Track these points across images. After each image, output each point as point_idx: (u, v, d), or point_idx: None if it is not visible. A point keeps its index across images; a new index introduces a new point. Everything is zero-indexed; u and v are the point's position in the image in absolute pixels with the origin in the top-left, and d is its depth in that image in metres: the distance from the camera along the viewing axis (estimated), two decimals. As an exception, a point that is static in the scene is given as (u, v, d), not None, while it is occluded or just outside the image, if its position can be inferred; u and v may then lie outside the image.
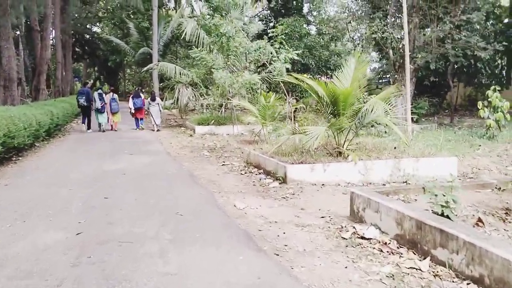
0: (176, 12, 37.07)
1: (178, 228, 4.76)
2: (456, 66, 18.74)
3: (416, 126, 14.85)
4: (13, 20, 19.44)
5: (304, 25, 26.94)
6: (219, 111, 18.09)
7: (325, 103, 8.17)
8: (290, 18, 24.81)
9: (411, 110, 12.42)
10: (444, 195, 4.01)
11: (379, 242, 4.10)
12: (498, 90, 12.15)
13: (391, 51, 18.56)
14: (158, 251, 4.05)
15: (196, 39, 17.11)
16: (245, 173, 8.28)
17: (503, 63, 24.46)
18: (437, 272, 3.40)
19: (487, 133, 12.14)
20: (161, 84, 25.61)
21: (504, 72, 23.50)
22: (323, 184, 6.91)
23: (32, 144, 11.77)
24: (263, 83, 16.19)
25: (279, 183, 7.05)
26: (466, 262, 3.25)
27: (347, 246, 4.16)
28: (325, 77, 25.81)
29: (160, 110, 17.58)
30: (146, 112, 17.92)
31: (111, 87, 26.40)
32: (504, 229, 3.80)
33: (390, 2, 18.83)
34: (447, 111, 22.91)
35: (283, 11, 28.01)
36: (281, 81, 11.18)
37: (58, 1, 27.44)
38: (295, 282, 3.40)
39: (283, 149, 8.24)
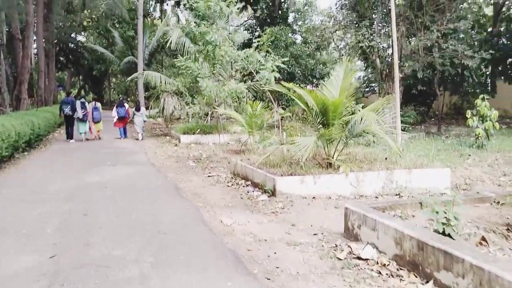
0: (161, 21, 36.83)
1: (161, 249, 4.43)
2: (444, 75, 18.76)
3: (404, 135, 14.74)
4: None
5: (290, 34, 26.90)
6: (205, 120, 17.78)
7: (314, 113, 7.94)
8: (276, 27, 24.72)
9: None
10: (445, 212, 3.76)
11: (377, 263, 3.83)
12: (486, 99, 12.07)
13: (378, 60, 18.52)
14: (139, 277, 3.71)
15: (182, 48, 16.82)
16: (232, 185, 7.97)
17: (487, 72, 24.70)
18: (442, 297, 3.15)
19: (476, 142, 12.04)
20: (146, 93, 25.24)
21: (489, 80, 23.69)
22: (313, 197, 6.64)
23: (11, 155, 11.31)
24: (249, 91, 15.96)
25: (268, 196, 6.76)
26: (473, 287, 3.00)
27: (343, 267, 3.88)
28: (311, 85, 25.75)
29: (145, 120, 17.26)
30: (129, 122, 17.55)
31: (95, 96, 25.88)
32: (510, 248, 3.57)
33: (376, 11, 18.84)
34: (433, 119, 22.96)
35: (268, 20, 27.93)
36: (267, 90, 10.94)
37: (41, 9, 26.93)
38: (288, 311, 3.11)
39: (271, 160, 7.97)
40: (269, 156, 8.04)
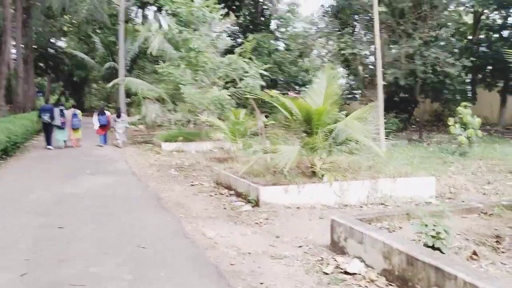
0: (143, 27, 36.46)
1: (140, 264, 4.23)
2: (425, 82, 18.95)
3: (387, 142, 14.77)
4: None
5: (273, 41, 26.95)
6: (187, 127, 17.56)
7: (298, 121, 7.84)
8: (259, 33, 24.71)
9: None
10: (435, 225, 3.67)
11: (365, 278, 3.71)
12: (470, 106, 12.17)
13: (360, 67, 18.64)
14: (116, 296, 3.52)
15: (164, 54, 16.63)
16: (215, 194, 7.79)
17: (467, 80, 25.06)
18: (433, 314, 3.03)
19: (458, 150, 12.11)
20: (127, 99, 24.90)
21: (469, 88, 24.02)
22: (298, 207, 6.51)
23: (-15, 164, 10.94)
24: (232, 99, 15.83)
25: (252, 206, 6.60)
26: (465, 304, 2.89)
27: (329, 283, 3.74)
28: (294, 92, 25.77)
29: (126, 126, 16.99)
30: (111, 129, 17.22)
31: (74, 102, 25.47)
32: (501, 263, 3.49)
33: (358, 18, 18.98)
34: (414, 126, 23.17)
35: (251, 26, 27.95)
36: (250, 97, 10.83)
37: (20, 14, 26.38)
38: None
39: (254, 169, 7.82)
40: (252, 165, 7.89)
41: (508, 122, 22.43)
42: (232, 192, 7.68)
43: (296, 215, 6.13)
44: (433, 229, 3.69)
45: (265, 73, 10.23)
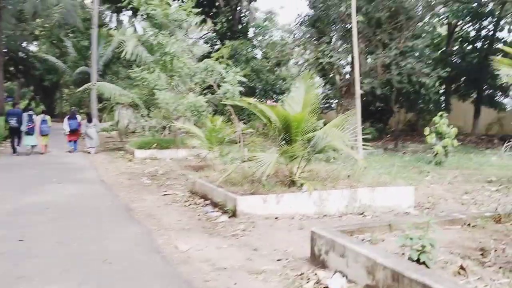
0: (118, 32, 35.86)
1: (105, 283, 3.89)
2: (400, 92, 19.14)
3: (364, 151, 14.74)
4: None
5: (250, 49, 26.83)
6: (161, 134, 17.15)
7: (277, 129, 7.64)
8: (236, 41, 24.55)
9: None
10: (420, 239, 3.49)
11: (348, 295, 3.49)
12: (445, 116, 12.23)
13: (337, 76, 18.65)
14: (76, 319, 3.18)
15: (138, 59, 16.24)
16: (190, 204, 7.47)
17: (440, 90, 25.50)
18: (422, 336, 2.82)
19: (434, 159, 12.15)
20: (100, 104, 24.27)
21: (442, 98, 24.44)
22: (276, 218, 6.27)
23: None
24: (209, 105, 15.54)
25: (229, 217, 6.32)
26: (457, 325, 2.70)
27: (311, 301, 3.51)
28: (271, 100, 25.67)
29: (98, 131, 16.50)
30: (82, 135, 16.68)
31: (44, 108, 24.70)
32: (491, 279, 3.32)
33: (335, 28, 19.03)
34: (389, 136, 23.36)
35: (228, 34, 27.77)
36: (228, 104, 10.58)
37: (-13, 15, 25.47)
38: None
39: (232, 178, 7.56)
40: (230, 173, 7.62)
41: (482, 132, 22.88)
42: (208, 202, 7.38)
43: (274, 226, 5.88)
44: (418, 243, 3.51)
45: (243, 79, 9.98)
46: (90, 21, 27.66)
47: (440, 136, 12.24)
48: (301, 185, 6.91)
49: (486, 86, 22.38)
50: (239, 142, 12.55)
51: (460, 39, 24.54)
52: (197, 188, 8.15)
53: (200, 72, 11.13)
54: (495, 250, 4.07)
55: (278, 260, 4.52)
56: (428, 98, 18.88)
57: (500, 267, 3.68)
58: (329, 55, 16.83)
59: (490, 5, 21.28)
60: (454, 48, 24.45)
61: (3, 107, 32.34)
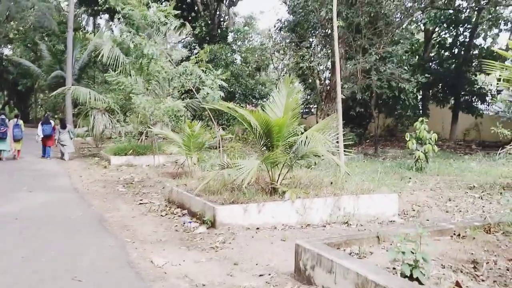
0: (94, 35, 35.14)
1: (72, 303, 3.55)
2: (380, 97, 19.13)
3: (344, 157, 14.61)
4: None
5: (230, 54, 26.58)
6: (138, 139, 16.68)
7: (258, 134, 7.38)
8: (216, 45, 24.28)
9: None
10: (413, 252, 3.26)
11: (338, 316, 3.23)
12: (426, 121, 12.17)
13: (317, 81, 18.54)
14: None
15: (115, 62, 15.80)
16: (167, 214, 7.14)
17: (418, 96, 25.71)
18: None
19: (415, 165, 12.07)
20: (75, 109, 23.61)
21: (420, 104, 24.60)
22: (258, 228, 5.99)
23: None
24: (187, 110, 15.20)
25: (207, 228, 6.01)
26: None
27: (297, 322, 3.24)
28: (251, 105, 25.44)
29: (71, 138, 15.95)
30: (56, 141, 16.11)
31: (17, 112, 23.93)
32: (488, 295, 3.13)
33: (314, 33, 18.94)
34: (368, 141, 23.39)
35: (207, 38, 27.46)
36: (207, 108, 10.26)
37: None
38: None
39: (210, 185, 7.24)
40: (209, 181, 7.31)
41: (460, 138, 23.10)
42: (186, 211, 7.05)
43: (256, 237, 5.60)
44: (411, 257, 3.29)
45: (224, 84, 9.68)
46: (66, 24, 26.97)
47: (421, 141, 12.18)
48: (283, 193, 6.66)
49: (463, 92, 22.62)
50: (219, 148, 12.25)
51: (437, 46, 24.80)
52: (174, 197, 7.81)
53: (179, 76, 10.77)
54: (487, 263, 3.89)
55: (261, 275, 4.24)
56: (408, 103, 18.92)
57: (494, 281, 3.50)
58: (309, 60, 16.68)
59: (467, 12, 21.56)
60: (432, 54, 24.68)
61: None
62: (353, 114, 20.11)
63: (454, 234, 4.61)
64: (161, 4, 17.06)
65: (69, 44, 23.97)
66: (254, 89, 26.02)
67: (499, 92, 22.28)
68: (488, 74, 19.45)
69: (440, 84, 23.27)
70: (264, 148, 7.31)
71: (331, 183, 7.63)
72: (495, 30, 22.22)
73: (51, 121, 16.53)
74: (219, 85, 9.61)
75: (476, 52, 22.87)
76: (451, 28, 22.56)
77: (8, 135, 14.80)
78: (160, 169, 12.79)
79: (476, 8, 20.42)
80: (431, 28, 23.52)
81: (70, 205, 7.79)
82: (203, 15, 27.99)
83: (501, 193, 8.32)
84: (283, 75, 23.28)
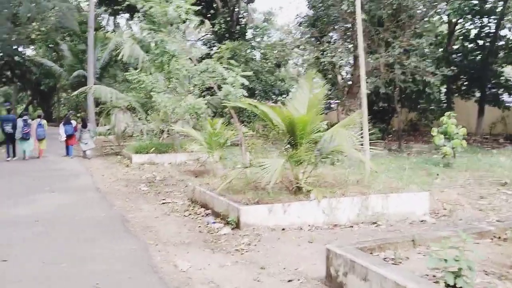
0: (115, 34, 35.39)
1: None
2: (403, 91, 18.67)
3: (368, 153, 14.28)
4: None
5: (249, 50, 26.43)
6: (160, 137, 16.67)
7: (280, 132, 7.20)
8: (235, 42, 24.13)
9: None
10: (457, 260, 3.03)
11: (375, 327, 3.03)
12: (453, 115, 11.75)
13: (339, 76, 18.21)
14: None
15: (135, 61, 15.81)
16: (190, 214, 7.01)
17: (442, 89, 25.06)
18: None
19: (442, 161, 11.68)
20: (97, 108, 23.82)
21: (444, 97, 23.97)
22: (283, 229, 5.80)
23: None
24: (208, 107, 15.09)
25: (232, 229, 5.85)
26: None
27: (331, 334, 3.05)
28: (271, 102, 25.23)
29: (92, 136, 16.10)
30: (78, 140, 16.27)
31: (40, 112, 24.28)
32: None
33: (335, 27, 18.59)
34: (390, 136, 22.89)
35: (227, 35, 27.34)
36: (228, 106, 10.10)
37: (-19, 18, 25.00)
38: None
39: (234, 185, 7.10)
40: (231, 180, 7.15)
41: (486, 132, 22.42)
42: (209, 211, 6.91)
43: (282, 239, 5.41)
44: (454, 265, 3.05)
45: (245, 82, 9.48)
46: (86, 24, 27.18)
47: (448, 136, 11.78)
48: (308, 192, 6.46)
49: (489, 85, 21.91)
50: (241, 145, 12.09)
51: (461, 37, 24.08)
52: (197, 196, 7.69)
53: (200, 73, 10.62)
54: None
55: (289, 281, 4.06)
56: (433, 97, 18.41)
57: (544, 289, 3.23)
58: (330, 55, 16.35)
59: (492, 3, 20.82)
60: (455, 47, 23.97)
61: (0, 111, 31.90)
62: (376, 109, 19.70)
63: (495, 236, 4.34)
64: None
65: (90, 44, 24.18)
66: (274, 86, 25.83)
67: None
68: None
69: (465, 77, 22.60)
70: (288, 146, 7.12)
71: (357, 181, 7.38)
72: (522, 21, 21.42)
73: (72, 121, 16.72)
74: (241, 82, 9.42)
75: (502, 43, 22.10)
76: (475, 19, 21.84)
77: (31, 135, 15.03)
78: (182, 167, 12.71)
79: (502, -2, 19.71)
80: (454, 20, 22.82)
81: (92, 205, 7.74)
82: (222, 12, 27.84)
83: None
84: (304, 71, 23.01)
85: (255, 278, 4.16)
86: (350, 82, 18.65)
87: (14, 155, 15.17)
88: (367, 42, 16.39)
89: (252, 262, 4.62)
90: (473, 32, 23.22)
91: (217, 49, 11.52)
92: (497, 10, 21.03)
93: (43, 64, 36.27)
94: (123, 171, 12.35)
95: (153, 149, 14.55)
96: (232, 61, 10.25)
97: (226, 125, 12.38)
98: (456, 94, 23.44)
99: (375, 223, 6.25)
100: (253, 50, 28.41)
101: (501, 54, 21.71)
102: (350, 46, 17.61)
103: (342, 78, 17.96)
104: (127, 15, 34.62)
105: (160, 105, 12.60)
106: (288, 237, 5.50)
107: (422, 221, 6.49)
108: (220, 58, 10.60)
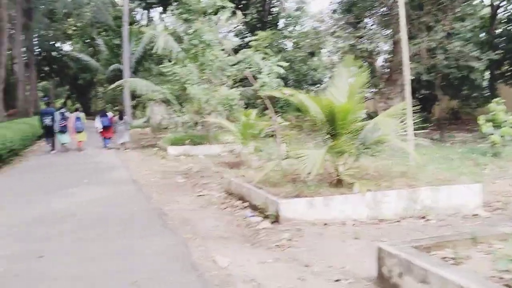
0: (148, 27, 35.72)
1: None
2: (445, 78, 17.84)
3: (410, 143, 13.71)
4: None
5: (281, 39, 26.04)
6: (194, 129, 16.63)
7: (319, 122, 6.87)
8: (267, 32, 23.80)
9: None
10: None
11: (439, 337, 2.71)
12: (500, 102, 11.06)
13: (376, 64, 17.59)
14: None
15: (169, 53, 15.77)
16: (227, 207, 6.81)
17: (484, 75, 23.88)
18: None
19: (490, 150, 11.02)
20: (133, 101, 24.13)
21: (487, 84, 22.84)
22: (325, 224, 5.50)
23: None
24: (241, 99, 14.88)
25: (271, 223, 5.58)
26: None
27: None
28: (304, 91, 24.79)
29: (128, 129, 16.31)
30: (114, 131, 16.52)
31: (78, 105, 24.87)
32: None
33: (372, 12, 17.95)
34: (431, 125, 22.02)
35: (259, 25, 27.04)
36: (263, 96, 9.85)
37: (20, 16, 25.71)
38: None
39: (270, 176, 6.85)
40: (267, 172, 6.90)
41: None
42: (246, 204, 6.68)
43: (325, 234, 5.11)
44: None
45: (282, 70, 9.20)
46: (121, 19, 27.51)
47: (496, 124, 11.10)
48: (350, 184, 6.12)
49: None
50: (275, 136, 11.81)
51: (504, 21, 22.80)
52: (233, 189, 7.48)
53: (234, 64, 10.40)
54: None
55: (336, 280, 3.77)
56: (477, 84, 17.50)
57: None
58: (368, 41, 15.78)
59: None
60: (497, 31, 22.71)
61: (38, 106, 32.91)
62: (417, 97, 18.94)
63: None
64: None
65: (125, 38, 24.46)
66: (306, 75, 25.38)
67: None
68: None
69: (510, 62, 21.41)
70: (328, 136, 6.78)
71: (403, 173, 6.97)
72: None
73: (107, 113, 16.99)
74: (277, 72, 9.14)
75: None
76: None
77: (68, 128, 15.36)
78: (217, 158, 12.57)
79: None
80: (496, 3, 21.62)
81: (129, 198, 7.67)
82: (254, 2, 27.53)
83: None
84: (339, 59, 22.40)
85: (299, 276, 3.89)
86: (388, 70, 17.98)
87: (53, 148, 15.52)
88: (408, 26, 15.70)
89: (295, 259, 4.36)
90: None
91: (254, 38, 11.26)
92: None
93: (80, 59, 37.10)
94: (159, 163, 12.34)
95: (188, 141, 14.52)
96: (268, 50, 9.97)
97: (260, 116, 12.14)
98: (500, 80, 22.27)
99: (424, 217, 5.85)
100: (285, 39, 27.99)
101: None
102: (388, 32, 16.95)
103: (381, 65, 17.31)
104: (160, 9, 34.83)
105: (194, 97, 12.49)
106: (331, 232, 5.20)
107: (475, 215, 6.03)
108: (258, 47, 10.35)
